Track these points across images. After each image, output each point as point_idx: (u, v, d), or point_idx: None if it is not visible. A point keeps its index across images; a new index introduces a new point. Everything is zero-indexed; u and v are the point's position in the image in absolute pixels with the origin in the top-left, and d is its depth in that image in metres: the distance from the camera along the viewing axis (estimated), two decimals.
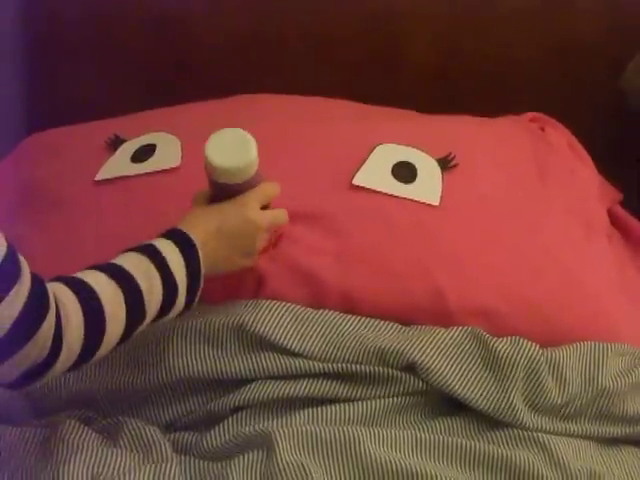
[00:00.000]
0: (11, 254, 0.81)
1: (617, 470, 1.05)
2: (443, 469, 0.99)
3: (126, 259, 0.96)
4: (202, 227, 1.02)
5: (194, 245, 0.99)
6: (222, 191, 1.04)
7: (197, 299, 1.01)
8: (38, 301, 0.83)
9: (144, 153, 1.23)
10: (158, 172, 1.20)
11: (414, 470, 0.97)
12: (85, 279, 0.90)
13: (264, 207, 1.06)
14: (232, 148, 1.02)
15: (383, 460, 0.98)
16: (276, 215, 1.08)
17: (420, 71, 1.52)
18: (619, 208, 1.41)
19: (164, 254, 0.97)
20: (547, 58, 1.52)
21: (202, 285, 1.00)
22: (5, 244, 0.80)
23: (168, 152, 1.22)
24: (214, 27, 1.51)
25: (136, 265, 0.94)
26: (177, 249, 0.98)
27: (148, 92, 1.51)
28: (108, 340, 0.91)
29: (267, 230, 1.07)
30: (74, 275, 0.91)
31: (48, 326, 0.83)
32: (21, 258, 0.83)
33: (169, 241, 0.98)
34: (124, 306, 0.91)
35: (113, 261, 0.95)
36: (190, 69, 1.53)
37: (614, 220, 1.37)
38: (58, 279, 0.90)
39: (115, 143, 1.27)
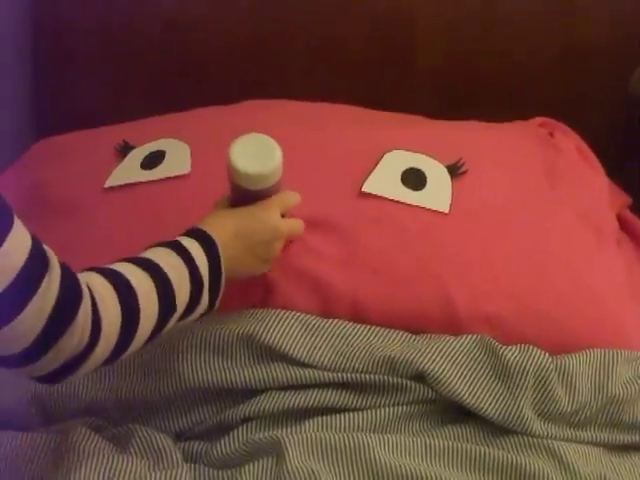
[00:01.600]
0: (37, 248, 0.81)
1: (627, 477, 1.05)
2: (453, 475, 0.99)
3: (155, 253, 0.95)
4: (223, 228, 1.01)
5: (215, 244, 0.99)
6: (244, 196, 1.04)
7: (219, 300, 1.00)
8: (71, 291, 0.82)
9: (153, 160, 1.23)
10: (168, 179, 1.20)
11: (424, 476, 0.97)
12: (120, 270, 0.90)
13: (282, 215, 1.07)
14: (257, 153, 1.02)
15: (393, 466, 0.98)
16: (295, 225, 1.08)
17: (429, 76, 1.52)
18: (628, 213, 1.41)
19: (190, 250, 0.96)
20: (557, 64, 1.52)
21: (223, 286, 1.00)
22: (30, 239, 0.80)
23: (177, 159, 1.22)
24: (220, 32, 1.51)
25: (165, 259, 0.94)
26: (200, 247, 0.98)
27: (155, 97, 1.52)
28: (141, 333, 0.90)
29: (286, 238, 1.07)
30: (108, 266, 0.91)
31: (84, 315, 0.82)
32: (48, 249, 0.83)
33: (192, 239, 0.98)
34: (156, 298, 0.91)
35: (142, 254, 0.95)
36: (197, 74, 1.53)
37: (623, 225, 1.37)
38: (92, 269, 0.90)
39: (124, 149, 1.27)
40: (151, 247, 0.97)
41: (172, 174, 1.21)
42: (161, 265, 0.93)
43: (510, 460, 1.01)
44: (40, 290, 0.79)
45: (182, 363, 1.06)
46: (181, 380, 1.05)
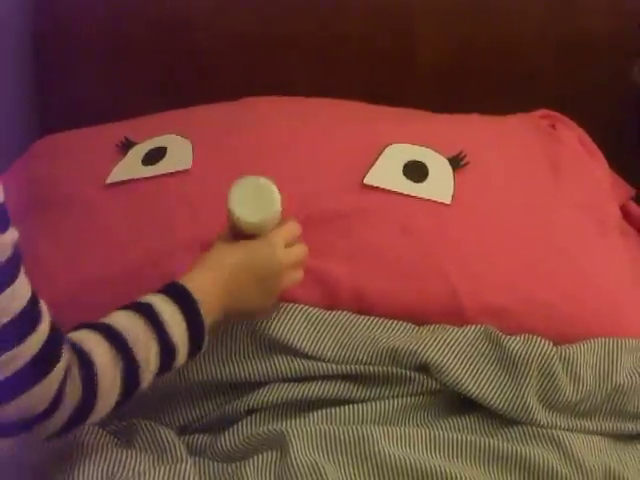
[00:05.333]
0: (34, 301, 0.81)
1: (633, 467, 1.04)
2: (457, 466, 0.99)
3: (122, 321, 0.92)
4: (226, 264, 1.00)
5: (194, 300, 0.95)
6: (245, 237, 1.03)
7: (201, 352, 0.98)
8: (52, 349, 0.82)
9: (155, 156, 1.23)
10: (169, 174, 1.20)
11: (428, 467, 0.97)
12: (82, 343, 0.88)
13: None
14: (256, 199, 1.01)
15: (397, 458, 0.98)
16: (299, 253, 1.06)
17: (430, 70, 1.52)
18: (632, 204, 1.41)
19: (161, 315, 0.93)
20: (559, 55, 1.51)
21: (206, 340, 0.97)
22: (29, 290, 0.81)
23: (179, 155, 1.22)
24: (222, 28, 1.51)
25: (133, 331, 0.91)
26: (175, 306, 0.94)
27: (157, 94, 1.52)
28: (102, 405, 0.89)
29: (291, 267, 1.05)
30: (74, 333, 0.89)
31: (57, 375, 0.83)
32: (43, 306, 0.83)
33: (166, 298, 0.95)
34: (120, 373, 0.89)
35: (110, 322, 0.92)
36: (199, 71, 1.53)
37: (627, 216, 1.37)
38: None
39: (126, 146, 1.27)
40: (119, 310, 0.94)
41: (173, 169, 1.21)
42: (127, 338, 0.90)
43: (515, 451, 1.00)
44: (22, 345, 0.80)
45: None
46: (185, 373, 1.05)
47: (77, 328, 0.90)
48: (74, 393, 0.85)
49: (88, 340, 0.89)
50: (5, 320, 0.78)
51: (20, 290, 0.80)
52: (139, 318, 0.93)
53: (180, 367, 0.97)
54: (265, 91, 1.41)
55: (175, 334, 0.94)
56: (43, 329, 0.81)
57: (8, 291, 0.78)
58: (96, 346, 0.89)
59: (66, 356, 0.84)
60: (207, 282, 0.98)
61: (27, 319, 0.80)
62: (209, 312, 0.97)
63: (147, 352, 0.91)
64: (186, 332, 0.95)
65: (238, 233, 1.02)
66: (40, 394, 0.82)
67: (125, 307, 0.94)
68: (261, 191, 1.02)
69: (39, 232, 1.20)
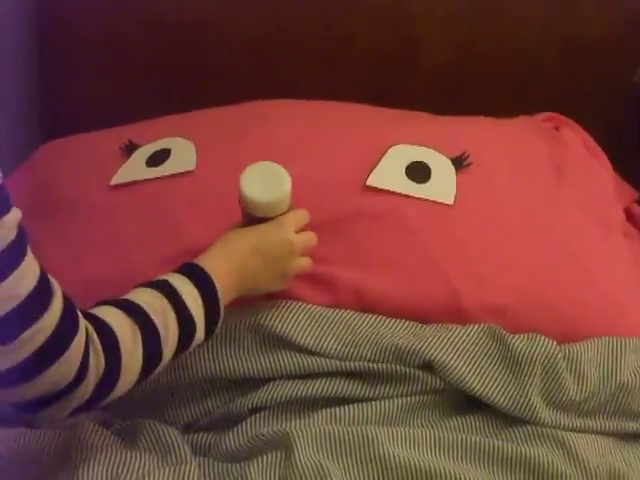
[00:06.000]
0: (44, 280, 0.82)
1: (637, 466, 1.04)
2: (462, 467, 0.99)
3: (140, 295, 0.94)
4: (241, 244, 1.03)
5: (209, 277, 0.98)
6: (257, 222, 1.05)
7: (218, 328, 1.00)
8: (69, 325, 0.83)
9: (159, 157, 1.24)
10: (173, 175, 1.21)
11: (432, 468, 0.97)
12: (100, 314, 0.89)
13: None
14: (267, 182, 1.04)
15: (401, 459, 0.98)
16: (309, 238, 1.08)
17: (434, 73, 1.52)
18: (635, 206, 1.41)
19: (178, 289, 0.96)
20: (559, 59, 1.52)
21: (222, 316, 0.99)
22: (38, 268, 0.81)
23: (183, 156, 1.23)
24: (226, 30, 1.51)
25: (150, 302, 0.93)
26: (190, 282, 0.97)
27: (160, 98, 1.52)
28: (124, 382, 0.89)
29: (301, 253, 1.07)
30: (91, 310, 0.90)
31: (76, 351, 0.83)
32: (53, 281, 0.83)
33: (181, 276, 0.98)
34: (141, 343, 0.90)
35: (126, 297, 0.94)
36: (203, 73, 1.54)
37: (630, 218, 1.37)
38: (89, 312, 0.89)
39: (130, 149, 1.28)
40: (136, 287, 0.96)
41: (177, 171, 1.21)
42: (145, 308, 0.92)
43: (519, 452, 1.00)
44: (40, 322, 0.80)
45: (189, 353, 1.04)
46: (189, 370, 1.06)
47: (92, 307, 0.91)
48: (98, 361, 0.86)
49: (103, 311, 0.90)
50: (18, 300, 0.78)
51: (30, 269, 0.80)
52: (155, 291, 0.95)
53: (198, 346, 0.98)
54: (270, 92, 1.41)
55: (192, 307, 0.95)
56: (57, 304, 0.82)
57: (18, 271, 0.78)
58: (113, 315, 0.90)
59: (84, 327, 0.85)
60: (221, 263, 1.01)
61: (41, 297, 0.81)
62: (223, 292, 0.99)
63: (165, 320, 0.92)
64: (202, 308, 0.96)
65: (251, 218, 1.05)
66: (65, 366, 0.82)
67: (140, 285, 0.96)
68: (271, 175, 1.05)
69: (44, 235, 1.20)
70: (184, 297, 0.95)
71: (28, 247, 0.80)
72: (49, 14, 1.51)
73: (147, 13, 1.50)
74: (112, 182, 1.22)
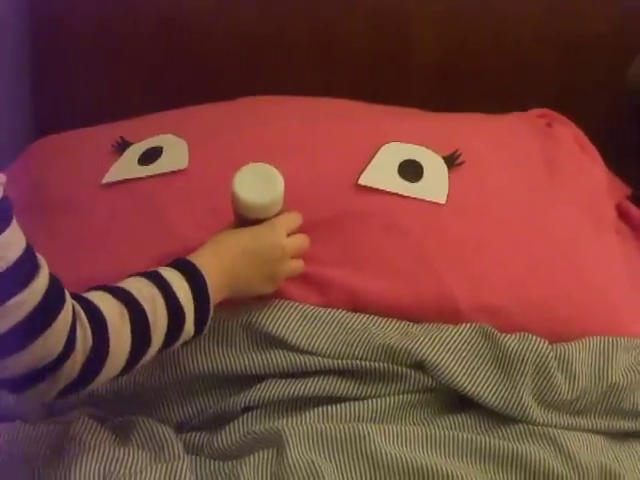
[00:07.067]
0: (30, 251, 0.82)
1: (628, 465, 1.04)
2: (454, 464, 0.99)
3: (130, 282, 0.95)
4: (231, 246, 1.03)
5: (201, 275, 0.98)
6: (250, 224, 1.06)
7: (207, 326, 1.00)
8: (55, 298, 0.83)
9: (151, 156, 1.23)
10: (165, 174, 1.20)
11: (424, 465, 0.97)
12: (88, 297, 0.90)
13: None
14: (259, 183, 1.04)
15: (393, 456, 0.98)
16: (301, 242, 1.09)
17: (427, 71, 1.52)
18: (628, 203, 1.41)
19: (168, 280, 0.96)
20: (554, 56, 1.52)
21: (212, 313, 0.99)
22: (24, 242, 0.81)
23: (175, 154, 1.22)
24: (223, 29, 1.51)
25: (140, 288, 0.93)
26: (182, 276, 0.97)
27: (154, 95, 1.52)
28: (112, 363, 0.89)
29: (292, 256, 1.07)
30: (79, 293, 0.90)
31: (63, 324, 0.83)
32: (40, 257, 0.84)
33: (172, 269, 0.98)
34: (129, 327, 0.90)
35: (117, 284, 0.94)
36: (198, 71, 1.54)
37: (622, 215, 1.37)
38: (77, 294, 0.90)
39: (122, 146, 1.27)
40: (128, 276, 0.97)
41: (169, 169, 1.21)
42: (134, 294, 0.92)
43: (510, 449, 1.01)
44: (28, 289, 0.80)
45: (181, 351, 1.06)
46: (181, 368, 1.06)
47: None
48: (86, 338, 0.86)
49: (92, 295, 0.90)
50: (7, 263, 0.78)
51: (14, 237, 0.80)
52: (145, 279, 0.95)
53: (187, 343, 0.98)
54: (266, 91, 1.42)
55: (182, 297, 0.95)
56: (43, 278, 0.82)
57: (5, 235, 0.78)
58: (101, 298, 0.90)
59: (71, 304, 0.85)
60: (212, 261, 1.01)
61: (27, 266, 0.81)
62: (214, 291, 0.99)
63: (154, 306, 0.93)
64: (192, 301, 0.97)
65: (243, 219, 1.05)
66: (51, 339, 0.82)
67: (130, 274, 0.97)
68: (264, 176, 1.05)
69: (35, 233, 1.18)
70: (174, 288, 0.95)
71: (13, 217, 0.80)
72: (43, 12, 1.51)
73: (142, 12, 1.50)
74: (104, 180, 1.22)
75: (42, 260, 0.83)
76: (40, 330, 0.82)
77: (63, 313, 0.83)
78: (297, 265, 1.08)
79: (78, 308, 0.86)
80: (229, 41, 1.52)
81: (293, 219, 1.08)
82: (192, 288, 0.97)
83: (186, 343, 1.00)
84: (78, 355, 0.85)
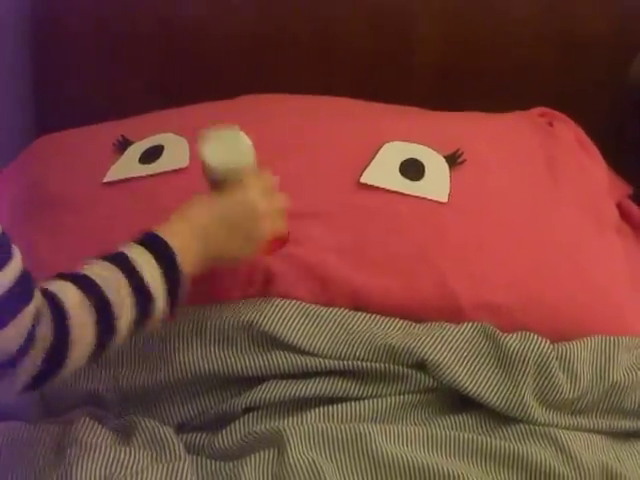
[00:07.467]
0: (4, 238, 0.81)
1: (630, 465, 1.04)
2: (455, 464, 0.99)
3: (94, 269, 0.92)
4: (202, 214, 1.01)
5: (166, 244, 0.96)
6: (221, 189, 1.04)
7: (180, 301, 0.98)
8: (26, 285, 0.82)
9: (152, 154, 1.23)
10: (166, 173, 1.21)
11: (426, 465, 0.97)
12: (51, 287, 0.88)
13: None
14: (227, 147, 1.03)
15: (394, 456, 0.98)
16: (278, 201, 1.06)
17: (428, 70, 1.52)
18: (629, 202, 1.41)
19: (133, 259, 0.94)
20: (554, 56, 1.51)
21: (186, 286, 0.97)
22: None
23: (176, 153, 1.23)
24: (223, 29, 1.51)
25: (104, 275, 0.92)
26: (150, 254, 0.95)
27: (156, 95, 1.52)
28: (76, 354, 0.88)
29: (270, 215, 1.05)
30: (43, 284, 0.89)
31: (30, 312, 0.82)
32: (14, 247, 0.83)
33: (139, 246, 0.96)
34: (92, 316, 0.89)
35: (80, 271, 0.92)
36: (198, 70, 1.54)
37: (623, 214, 1.37)
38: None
39: (123, 145, 1.28)
40: (93, 260, 0.94)
41: (170, 168, 1.21)
42: (97, 281, 0.90)
43: (512, 449, 1.00)
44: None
45: (182, 352, 1.06)
46: (182, 369, 1.06)
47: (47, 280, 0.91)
48: (45, 334, 0.85)
49: (55, 284, 0.89)
50: None
51: None
52: (109, 263, 0.93)
53: (164, 315, 0.96)
54: (266, 91, 1.42)
55: (148, 277, 0.93)
56: (16, 262, 0.81)
57: None
58: (64, 289, 0.89)
59: (38, 296, 0.84)
60: (184, 229, 0.99)
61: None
62: (187, 259, 0.97)
63: (118, 292, 0.91)
64: (162, 281, 0.94)
65: (215, 185, 1.04)
66: (14, 331, 0.81)
67: (95, 257, 0.95)
68: (232, 141, 1.04)
69: (37, 231, 1.20)
70: (138, 268, 0.93)
71: None
72: (43, 12, 1.51)
73: (143, 13, 1.50)
74: (105, 179, 1.22)
75: (16, 251, 0.82)
76: (4, 320, 0.81)
77: (27, 310, 0.82)
78: (278, 224, 1.05)
79: (43, 302, 0.85)
80: (229, 41, 1.52)
81: (265, 179, 1.06)
82: (159, 261, 0.95)
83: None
84: (38, 352, 0.84)
